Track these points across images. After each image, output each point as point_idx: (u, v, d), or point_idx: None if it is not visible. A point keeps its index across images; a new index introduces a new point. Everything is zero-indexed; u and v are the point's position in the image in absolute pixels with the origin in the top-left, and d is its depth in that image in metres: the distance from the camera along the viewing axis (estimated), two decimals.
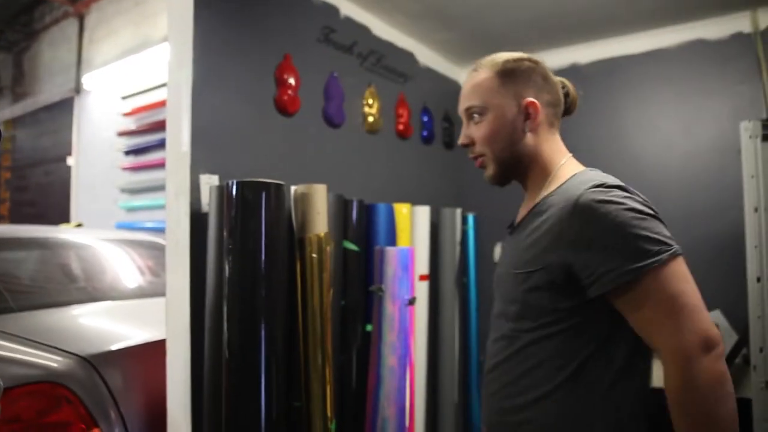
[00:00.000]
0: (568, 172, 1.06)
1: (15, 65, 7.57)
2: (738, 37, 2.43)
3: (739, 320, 2.01)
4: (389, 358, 1.64)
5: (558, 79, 1.16)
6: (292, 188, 1.57)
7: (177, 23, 1.64)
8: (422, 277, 2.22)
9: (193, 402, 1.52)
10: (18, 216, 7.04)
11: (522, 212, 1.14)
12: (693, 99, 2.52)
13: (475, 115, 1.10)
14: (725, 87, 2.44)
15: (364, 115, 2.32)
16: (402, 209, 2.11)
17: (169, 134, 1.63)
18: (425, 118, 2.76)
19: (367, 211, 1.97)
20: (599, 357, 0.94)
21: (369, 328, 1.84)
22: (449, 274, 2.49)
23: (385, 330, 1.64)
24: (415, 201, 2.36)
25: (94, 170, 5.76)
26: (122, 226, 5.00)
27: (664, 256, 0.86)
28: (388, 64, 2.50)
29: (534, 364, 0.99)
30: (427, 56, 2.85)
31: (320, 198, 1.51)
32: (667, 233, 0.90)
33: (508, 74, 1.08)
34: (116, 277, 2.89)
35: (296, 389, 1.52)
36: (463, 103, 1.12)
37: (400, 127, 2.53)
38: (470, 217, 2.84)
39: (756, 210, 1.93)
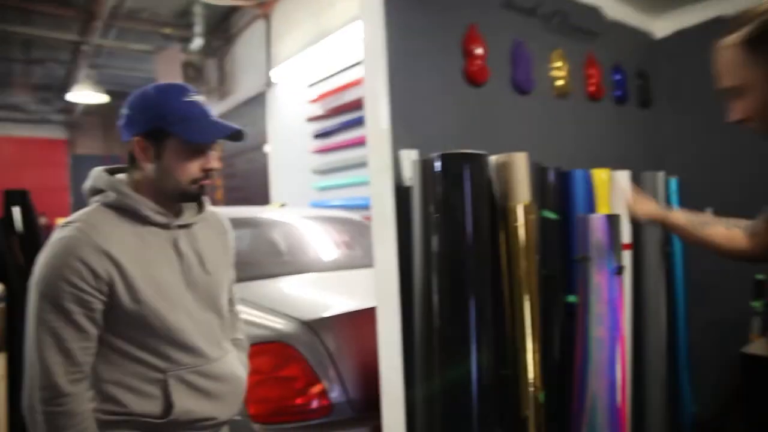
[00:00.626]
0: None
1: (219, 68, 8.60)
2: None
3: None
4: (597, 330, 1.57)
5: None
6: (492, 158, 1.57)
7: (368, 3, 1.71)
8: (625, 246, 2.08)
9: (405, 364, 1.61)
10: (229, 199, 8.07)
11: None
12: None
13: (735, 94, 1.03)
14: None
15: (553, 79, 2.22)
16: (601, 175, 1.99)
17: (368, 112, 1.72)
18: (617, 77, 2.56)
19: (564, 178, 1.89)
20: None
21: (572, 299, 1.78)
22: (653, 243, 2.31)
23: (591, 301, 1.57)
24: (611, 165, 2.20)
25: (288, 155, 6.35)
26: (315, 205, 5.46)
27: None
28: (573, 23, 2.35)
29: None
30: (615, 9, 2.62)
31: (521, 166, 1.49)
32: None
33: (758, 41, 0.96)
34: (317, 252, 3.17)
35: (504, 358, 1.53)
36: (719, 84, 1.05)
37: (591, 88, 2.38)
38: (673, 181, 2.59)
39: None
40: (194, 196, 1.25)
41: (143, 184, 1.20)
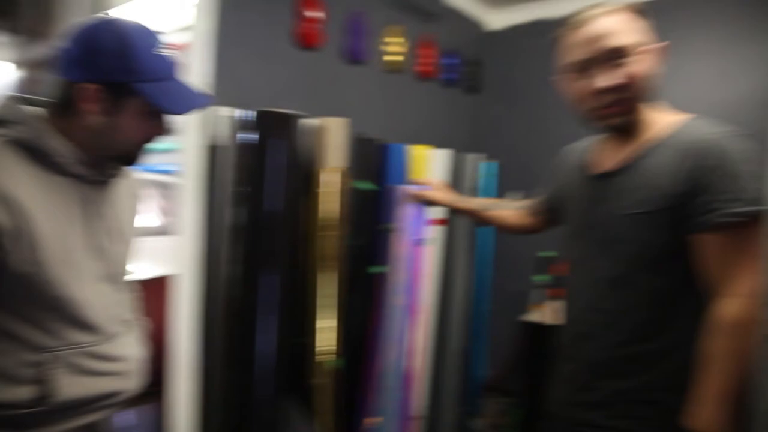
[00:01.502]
0: (673, 120, 1.10)
1: (35, 4, 7.46)
2: None
3: None
4: (397, 298, 1.65)
5: None
6: (308, 121, 1.55)
7: None
8: (438, 221, 2.21)
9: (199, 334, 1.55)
10: None
11: (608, 158, 1.15)
12: (731, 46, 2.36)
13: (616, 56, 1.07)
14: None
15: (386, 54, 2.25)
16: (419, 151, 2.08)
17: (187, 65, 1.61)
18: (451, 61, 2.67)
19: (384, 151, 1.94)
20: (695, 292, 1.04)
21: (375, 269, 1.85)
22: (466, 221, 2.47)
23: (393, 269, 1.64)
24: (435, 144, 2.32)
25: None
26: (141, 169, 5.02)
27: (762, 209, 0.94)
28: (414, 2, 2.40)
29: (646, 299, 1.08)
30: None
31: (337, 131, 1.49)
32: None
33: (643, 14, 1.08)
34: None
35: (302, 326, 1.55)
36: (608, 43, 1.07)
37: (422, 67, 2.46)
38: (492, 165, 2.79)
39: None
40: (133, 159, 1.05)
41: (72, 131, 0.98)
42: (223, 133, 1.50)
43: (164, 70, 1.00)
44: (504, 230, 1.62)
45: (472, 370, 2.78)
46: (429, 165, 2.23)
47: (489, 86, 3.04)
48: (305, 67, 1.89)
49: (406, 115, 2.40)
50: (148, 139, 1.04)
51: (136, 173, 1.21)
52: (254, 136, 1.36)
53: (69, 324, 0.97)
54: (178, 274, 1.52)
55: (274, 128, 1.35)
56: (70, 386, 0.97)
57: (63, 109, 0.99)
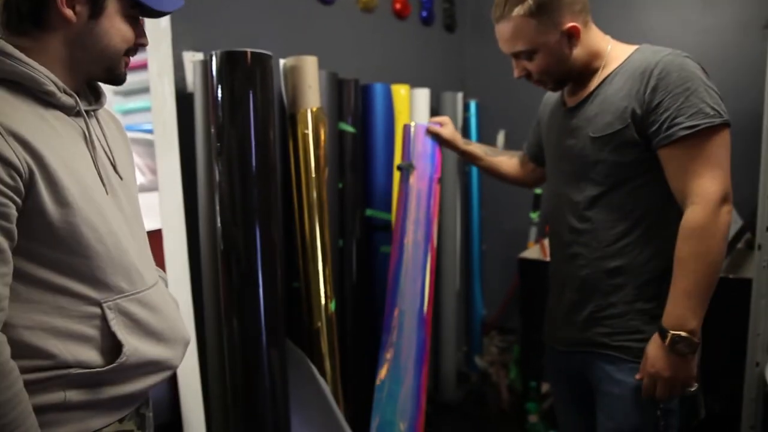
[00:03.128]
0: (622, 52, 1.18)
1: None
2: None
3: (744, 206, 1.97)
4: (415, 235, 1.59)
5: None
6: (281, 61, 1.47)
7: None
8: None
9: (194, 292, 1.52)
10: None
11: (575, 95, 1.24)
12: None
13: (524, 56, 1.19)
14: None
15: None
16: (400, 90, 2.01)
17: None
18: None
19: (363, 92, 1.87)
20: (670, 204, 1.12)
21: (369, 212, 1.81)
22: (450, 162, 2.43)
23: (411, 207, 1.58)
24: (413, 83, 2.25)
25: None
26: None
27: (717, 121, 1.04)
28: None
29: (622, 215, 1.15)
30: None
31: (311, 71, 1.42)
32: (723, 106, 1.06)
33: (541, 10, 1.13)
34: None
35: (295, 271, 1.51)
36: (509, 48, 1.20)
37: (397, 6, 2.37)
38: (472, 104, 2.74)
39: None
40: (119, 76, 0.94)
41: (47, 54, 0.86)
42: (195, 78, 1.43)
43: None
44: (503, 178, 1.62)
45: (471, 310, 2.80)
46: (411, 105, 2.17)
47: (465, 24, 2.95)
48: (277, 8, 1.80)
49: (385, 55, 2.32)
50: (132, 50, 0.94)
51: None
52: (228, 80, 1.28)
53: (113, 270, 0.88)
54: (168, 229, 1.47)
55: (247, 69, 1.27)
56: (130, 337, 0.89)
57: (32, 26, 0.86)
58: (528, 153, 1.53)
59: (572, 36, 1.16)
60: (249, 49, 1.30)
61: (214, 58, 1.31)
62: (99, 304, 0.87)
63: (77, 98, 0.89)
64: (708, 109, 1.04)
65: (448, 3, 2.79)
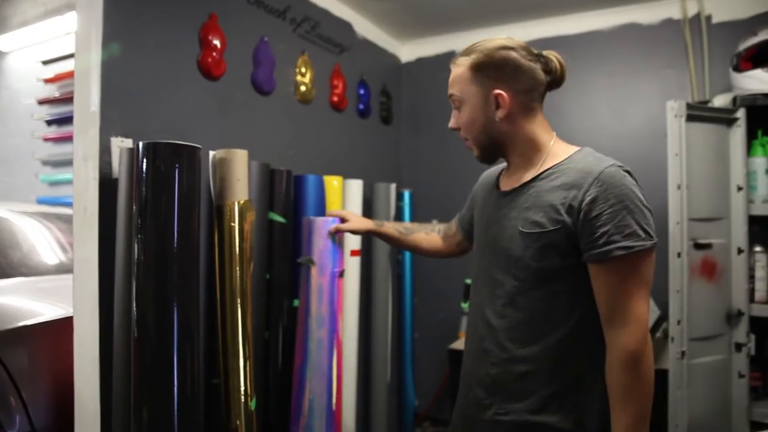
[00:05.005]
0: (564, 150, 1.18)
1: None
2: (668, 23, 2.48)
3: (661, 296, 2.08)
4: (318, 332, 1.58)
5: (547, 53, 1.21)
6: (211, 153, 1.48)
7: None
8: (354, 252, 2.17)
9: (103, 384, 1.42)
10: None
11: (511, 181, 1.24)
12: (624, 81, 2.57)
13: (456, 103, 1.22)
14: (655, 70, 2.50)
15: (297, 84, 2.23)
16: (333, 182, 2.05)
17: (77, 92, 1.50)
18: (361, 91, 2.70)
19: (296, 182, 1.89)
20: (590, 312, 1.10)
21: (297, 303, 1.78)
22: (383, 251, 2.46)
23: (312, 303, 1.58)
24: (348, 175, 2.30)
25: (12, 140, 5.36)
26: (45, 201, 4.68)
27: (648, 244, 1.04)
28: (323, 33, 2.41)
29: (542, 317, 1.12)
30: (366, 28, 2.77)
31: (240, 163, 1.43)
32: (653, 226, 1.06)
33: (480, 68, 1.17)
34: (31, 253, 2.69)
35: (215, 366, 1.44)
36: (449, 89, 1.23)
37: (335, 98, 2.46)
38: (406, 194, 2.82)
39: (678, 187, 1.98)
40: None
41: None
42: (121, 165, 1.40)
43: None
44: (423, 254, 1.63)
45: (403, 400, 2.73)
46: (343, 196, 2.20)
47: (401, 117, 3.09)
48: (214, 97, 1.82)
49: (321, 146, 2.38)
50: None
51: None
52: (152, 168, 1.27)
53: None
54: (80, 315, 1.39)
55: (174, 160, 1.27)
56: None
57: None
58: (459, 225, 1.52)
59: (499, 104, 1.16)
60: (177, 141, 1.30)
61: (140, 147, 1.29)
62: None
63: None
64: (640, 231, 1.03)
65: (385, 97, 2.93)
